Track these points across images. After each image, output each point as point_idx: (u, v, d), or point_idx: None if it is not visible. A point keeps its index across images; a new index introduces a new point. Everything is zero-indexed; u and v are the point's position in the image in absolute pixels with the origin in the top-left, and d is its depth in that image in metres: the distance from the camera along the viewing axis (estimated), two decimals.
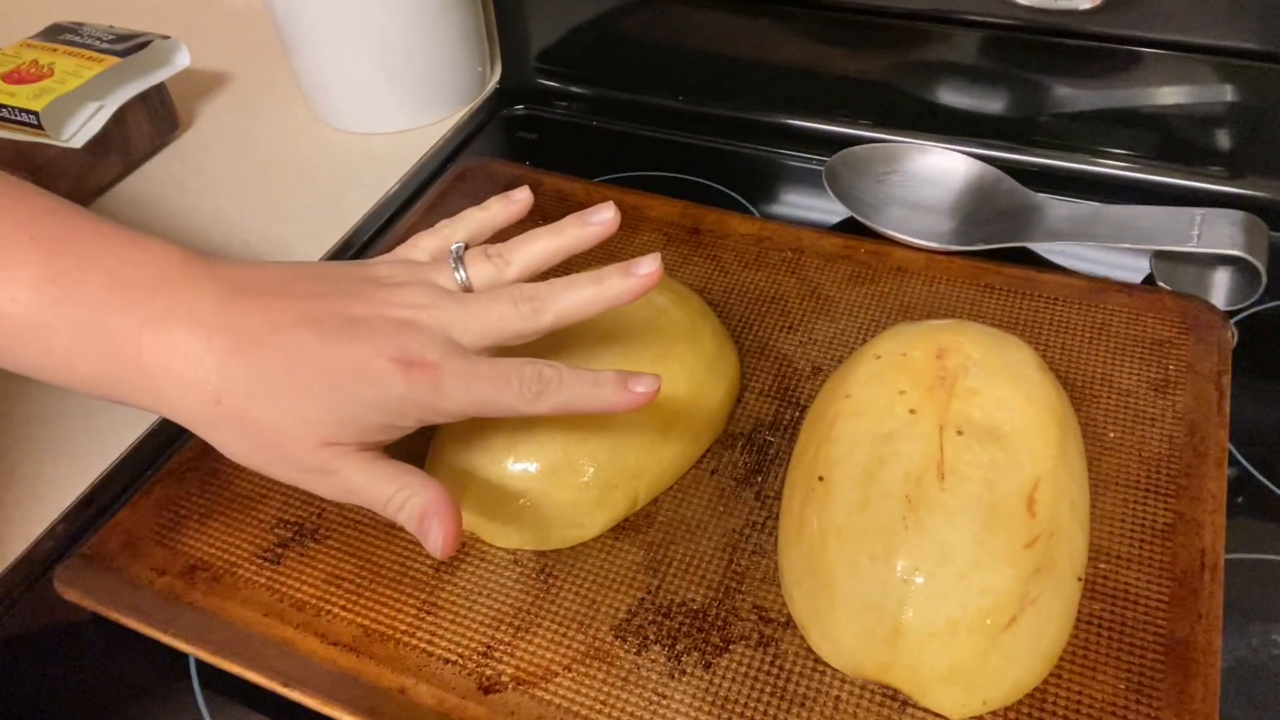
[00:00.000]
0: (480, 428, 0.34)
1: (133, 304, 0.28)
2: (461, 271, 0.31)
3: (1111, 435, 0.35)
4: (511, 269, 0.32)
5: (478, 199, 0.49)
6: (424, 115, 0.56)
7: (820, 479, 0.30)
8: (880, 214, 0.45)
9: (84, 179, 0.52)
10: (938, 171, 0.46)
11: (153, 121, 0.55)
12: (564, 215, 0.48)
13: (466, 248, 0.32)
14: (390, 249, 0.46)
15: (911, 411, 0.30)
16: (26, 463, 0.39)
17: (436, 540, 0.28)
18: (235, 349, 0.28)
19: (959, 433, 0.29)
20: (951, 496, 0.27)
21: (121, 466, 0.39)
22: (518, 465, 0.33)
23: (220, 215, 0.51)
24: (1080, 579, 0.29)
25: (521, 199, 0.35)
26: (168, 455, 0.39)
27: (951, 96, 0.50)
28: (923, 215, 0.45)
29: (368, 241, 0.50)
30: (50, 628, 0.35)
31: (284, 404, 0.28)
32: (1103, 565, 0.31)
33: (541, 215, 0.48)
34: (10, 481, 0.39)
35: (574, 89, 0.59)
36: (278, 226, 0.50)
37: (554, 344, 0.34)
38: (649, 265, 0.30)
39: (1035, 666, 0.28)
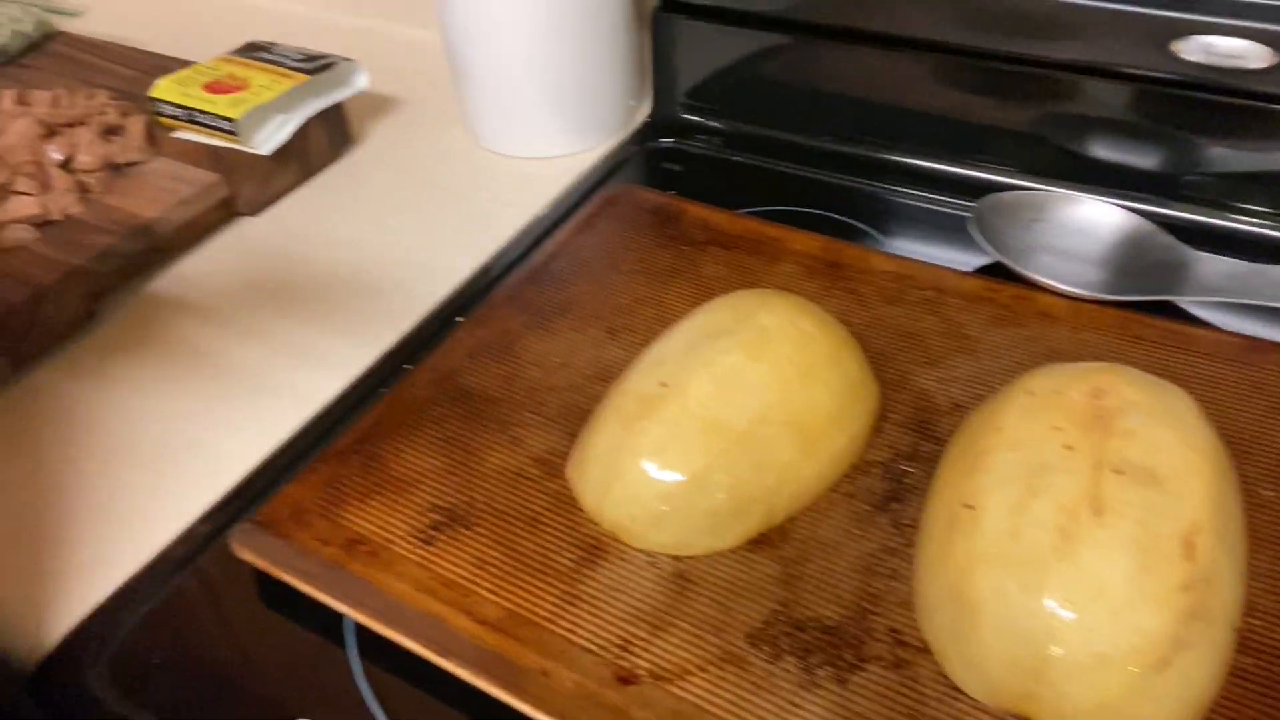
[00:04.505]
0: (631, 432, 0.35)
1: None
2: None
3: (1266, 493, 0.35)
4: None
5: (625, 224, 0.52)
6: (575, 143, 0.59)
7: (968, 507, 0.30)
8: (1027, 260, 0.45)
9: (267, 183, 0.56)
10: (1088, 221, 0.46)
11: (329, 136, 0.60)
12: (707, 243, 0.50)
13: None
14: (538, 266, 0.49)
15: (1067, 447, 0.30)
16: (208, 436, 0.43)
17: None
18: None
19: (1117, 471, 0.29)
20: (1107, 533, 0.27)
21: (291, 443, 0.42)
22: (663, 473, 0.35)
23: (383, 225, 0.55)
24: (1235, 629, 0.28)
25: None
26: (333, 436, 0.42)
27: (1102, 148, 0.50)
28: (1070, 263, 0.45)
29: (517, 258, 0.53)
30: (221, 587, 0.38)
31: None
32: (1256, 621, 0.30)
33: (686, 242, 0.50)
34: (194, 452, 0.42)
35: (719, 124, 0.61)
36: (434, 239, 0.54)
37: (704, 361, 0.36)
38: None
39: (1183, 713, 0.27)
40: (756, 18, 0.57)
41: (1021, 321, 0.43)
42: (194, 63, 0.61)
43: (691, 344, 0.37)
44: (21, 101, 0.59)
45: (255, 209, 0.56)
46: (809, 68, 0.57)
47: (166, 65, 0.65)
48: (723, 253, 0.49)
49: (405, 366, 0.46)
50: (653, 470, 0.35)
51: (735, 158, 0.59)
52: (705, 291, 0.46)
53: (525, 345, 0.45)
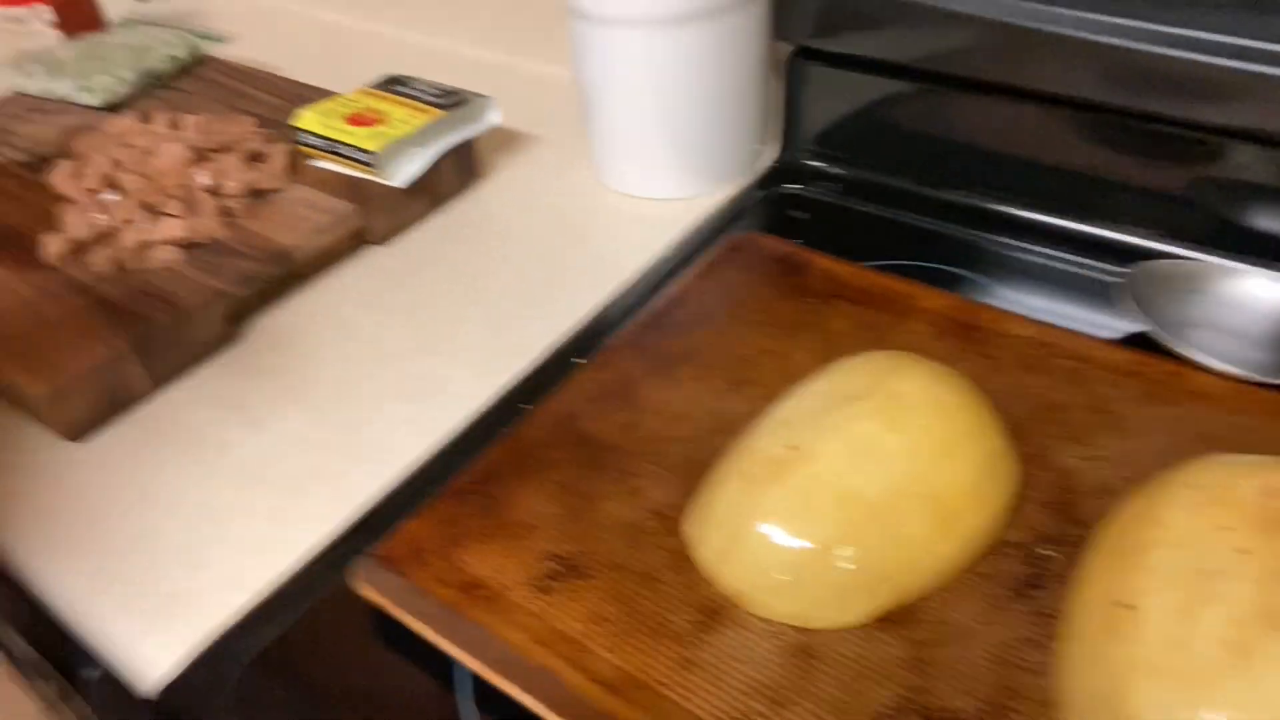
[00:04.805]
0: (754, 495, 0.34)
1: None
2: None
3: None
4: None
5: (749, 272, 0.51)
6: (699, 187, 0.59)
7: (1126, 607, 0.28)
8: (1182, 334, 0.42)
9: (397, 215, 0.58)
10: (1251, 296, 0.43)
11: (459, 170, 0.61)
12: (834, 296, 0.49)
13: None
14: (661, 311, 0.49)
15: (1240, 551, 0.28)
16: (332, 464, 0.44)
17: None
18: None
19: None
20: None
21: (412, 478, 0.43)
22: (788, 540, 0.33)
23: (507, 259, 0.56)
24: None
25: None
26: (452, 473, 0.42)
27: (1266, 218, 0.47)
28: (1230, 340, 0.42)
29: (638, 301, 0.52)
30: (340, 620, 0.38)
31: None
32: None
33: (811, 294, 0.49)
34: (319, 479, 0.43)
35: (847, 172, 0.60)
36: (557, 275, 0.54)
37: (835, 426, 0.35)
38: None
39: None
40: (892, 66, 0.56)
41: (1174, 400, 0.40)
42: (334, 93, 0.63)
43: (822, 406, 0.36)
44: (173, 125, 0.62)
45: (384, 239, 0.58)
46: (943, 118, 0.56)
47: (308, 94, 0.67)
48: (850, 307, 0.48)
49: (524, 406, 0.46)
50: (777, 536, 0.34)
51: (862, 207, 0.58)
52: (831, 347, 0.45)
53: (645, 392, 0.44)
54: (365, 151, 0.55)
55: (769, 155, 0.62)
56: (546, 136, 0.67)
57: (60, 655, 0.40)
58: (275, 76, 0.71)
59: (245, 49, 0.84)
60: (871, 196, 0.58)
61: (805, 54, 0.58)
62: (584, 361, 0.48)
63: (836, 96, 0.59)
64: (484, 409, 0.46)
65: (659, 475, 0.40)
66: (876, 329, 0.46)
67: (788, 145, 0.61)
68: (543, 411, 0.44)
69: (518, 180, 0.63)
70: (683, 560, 0.37)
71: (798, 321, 0.47)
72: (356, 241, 0.57)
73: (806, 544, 0.33)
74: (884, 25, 0.54)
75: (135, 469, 0.44)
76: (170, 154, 0.55)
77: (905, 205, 0.57)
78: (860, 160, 0.60)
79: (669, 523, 0.38)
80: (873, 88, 0.57)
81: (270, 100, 0.68)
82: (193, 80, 0.73)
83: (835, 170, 0.60)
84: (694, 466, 0.40)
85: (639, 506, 0.39)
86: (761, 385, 0.44)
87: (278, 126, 0.64)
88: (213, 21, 0.91)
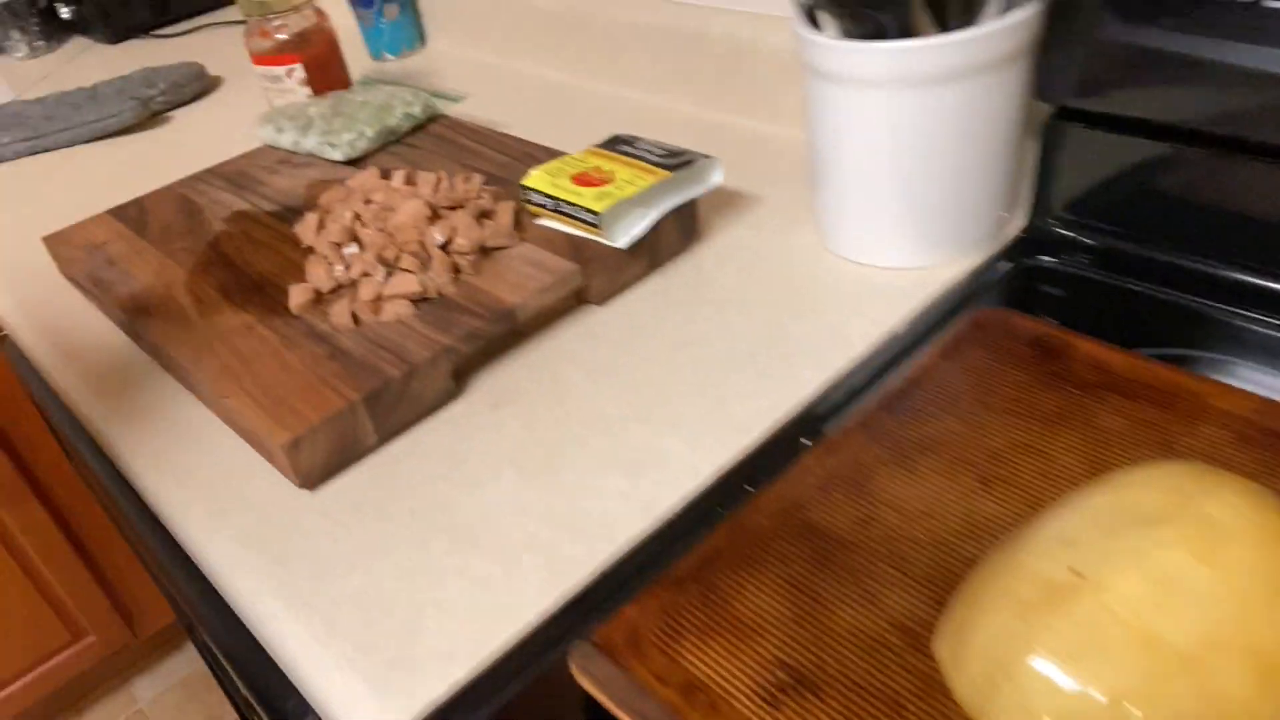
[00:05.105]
0: (1030, 625, 0.30)
1: None
2: None
3: None
4: None
5: (998, 353, 0.46)
6: (937, 256, 0.55)
7: None
8: None
9: (618, 275, 0.57)
10: None
11: (680, 230, 0.60)
12: (1102, 387, 0.43)
13: None
14: (897, 392, 0.45)
15: None
16: (551, 535, 0.42)
17: None
18: None
19: None
20: None
21: (629, 556, 0.41)
22: (1073, 686, 0.29)
23: (728, 326, 0.53)
24: None
25: None
26: (670, 555, 0.40)
27: None
28: None
29: (870, 378, 0.49)
30: (553, 702, 0.36)
31: None
32: None
33: (1074, 383, 0.44)
34: (537, 549, 0.42)
35: (1106, 243, 0.54)
36: (781, 345, 0.51)
37: (1132, 552, 0.30)
38: None
39: None
40: (1163, 128, 0.50)
41: None
42: (560, 150, 0.64)
43: (1110, 525, 0.31)
44: (410, 181, 0.65)
45: (604, 299, 0.57)
46: (1222, 185, 0.49)
47: (534, 153, 0.69)
48: (1123, 402, 0.42)
49: (747, 487, 0.43)
50: (1060, 679, 0.29)
51: (1126, 283, 0.52)
52: (1102, 449, 0.40)
53: (882, 483, 0.40)
54: (591, 212, 0.55)
55: (1015, 223, 0.57)
56: (767, 197, 0.65)
57: (276, 700, 0.41)
58: (501, 134, 0.73)
59: (472, 106, 0.88)
60: (1136, 271, 0.52)
61: (1067, 114, 0.53)
62: (811, 443, 0.45)
63: (1097, 160, 0.53)
64: (704, 487, 0.44)
65: (900, 581, 0.36)
66: (1160, 431, 0.40)
67: (1038, 212, 0.56)
68: (768, 496, 0.41)
69: (738, 242, 0.61)
70: (932, 686, 0.32)
71: (1058, 414, 0.42)
72: (576, 300, 0.57)
73: (1093, 692, 0.28)
74: (1160, 83, 0.48)
75: (359, 522, 0.45)
76: (409, 212, 0.57)
77: (1175, 283, 0.51)
78: (1123, 230, 0.53)
79: (914, 639, 0.34)
80: (1139, 151, 0.51)
81: (498, 158, 0.69)
82: (425, 136, 0.76)
83: (1091, 240, 0.54)
84: (942, 575, 0.36)
85: (878, 616, 0.35)
86: (1018, 487, 0.39)
87: (504, 183, 0.65)
88: (443, 79, 0.96)
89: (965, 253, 0.55)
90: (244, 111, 0.97)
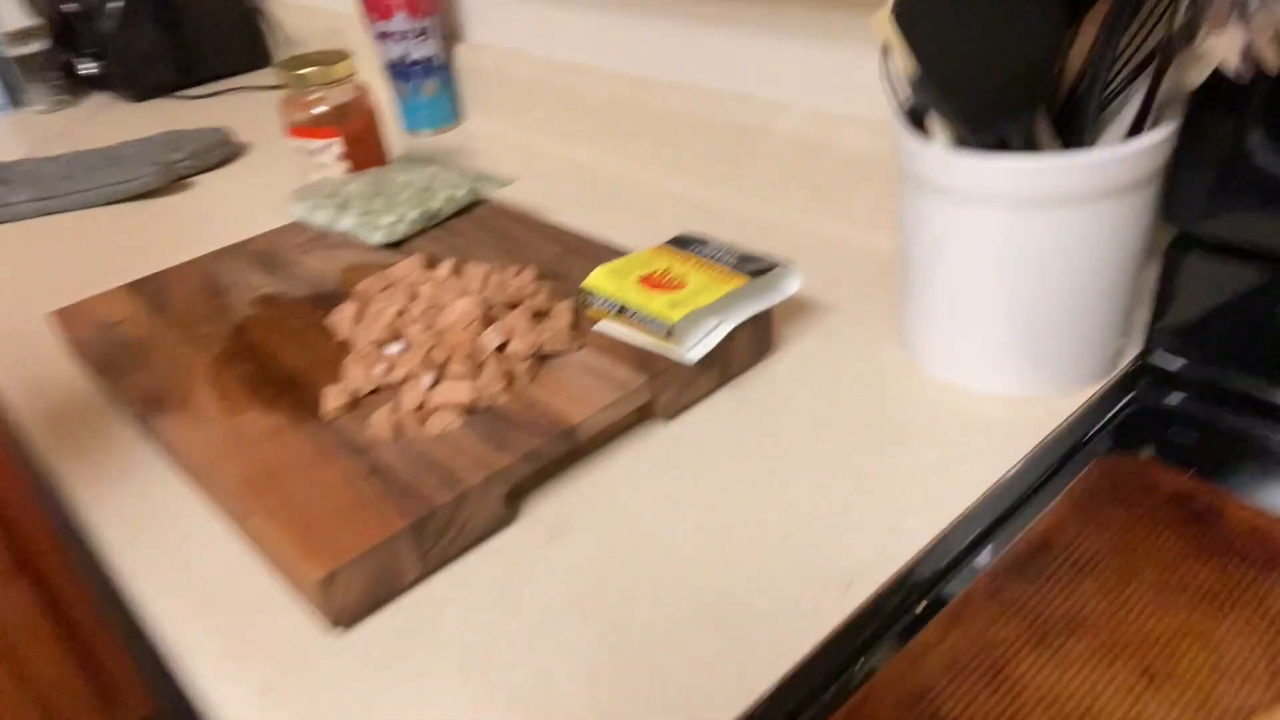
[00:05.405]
0: None
1: None
2: None
3: None
4: None
5: (1137, 512, 0.40)
6: (1046, 385, 0.50)
7: None
8: None
9: (687, 388, 0.52)
10: None
11: (754, 341, 0.54)
12: (1267, 560, 0.38)
13: None
14: (1024, 554, 0.39)
15: None
16: (618, 706, 0.36)
17: None
18: None
19: None
20: None
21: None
22: None
23: (812, 455, 0.48)
24: None
25: None
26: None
27: None
28: None
29: (985, 532, 0.43)
30: None
31: None
32: None
33: (1231, 553, 0.38)
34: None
35: (1236, 383, 0.49)
36: (869, 482, 0.46)
37: None
38: None
39: None
40: None
41: None
42: (612, 243, 0.59)
43: None
44: (457, 273, 0.60)
45: (669, 415, 0.51)
46: None
47: (584, 245, 0.64)
48: None
49: (861, 660, 0.37)
50: None
51: (1259, 430, 0.47)
52: (1278, 637, 0.34)
53: (1023, 671, 0.34)
54: (663, 322, 0.49)
55: (1129, 351, 0.52)
56: (841, 305, 0.60)
57: None
58: (549, 224, 0.68)
59: (513, 189, 0.84)
60: (1264, 412, 0.47)
61: (1186, 239, 0.48)
62: (925, 606, 0.39)
63: (1218, 288, 0.48)
64: (804, 657, 0.37)
65: None
66: None
67: (1155, 342, 0.51)
68: (885, 678, 0.35)
69: (815, 355, 0.56)
70: None
71: (1221, 593, 0.36)
72: (640, 416, 0.51)
73: None
74: None
75: (392, 672, 0.39)
76: (462, 311, 0.52)
77: None
78: (1246, 366, 0.48)
79: None
80: (1267, 281, 0.46)
81: (549, 248, 0.65)
82: (467, 221, 0.72)
83: (1213, 375, 0.49)
84: None
85: None
86: (1188, 685, 0.33)
87: (558, 278, 0.60)
88: (480, 159, 0.92)
89: (1080, 384, 0.50)
90: (271, 182, 0.93)
